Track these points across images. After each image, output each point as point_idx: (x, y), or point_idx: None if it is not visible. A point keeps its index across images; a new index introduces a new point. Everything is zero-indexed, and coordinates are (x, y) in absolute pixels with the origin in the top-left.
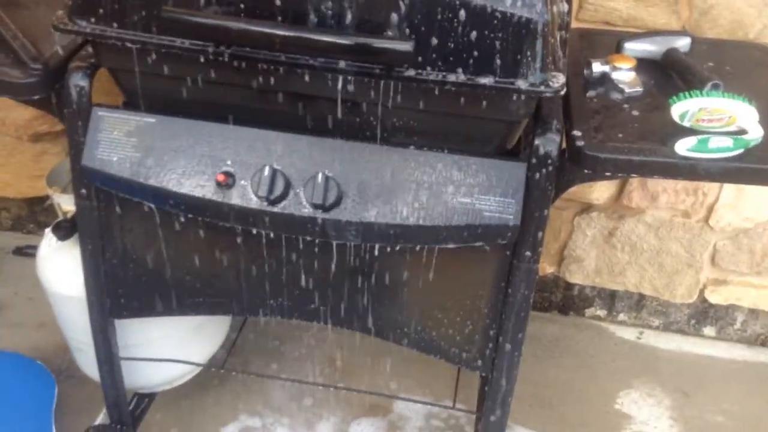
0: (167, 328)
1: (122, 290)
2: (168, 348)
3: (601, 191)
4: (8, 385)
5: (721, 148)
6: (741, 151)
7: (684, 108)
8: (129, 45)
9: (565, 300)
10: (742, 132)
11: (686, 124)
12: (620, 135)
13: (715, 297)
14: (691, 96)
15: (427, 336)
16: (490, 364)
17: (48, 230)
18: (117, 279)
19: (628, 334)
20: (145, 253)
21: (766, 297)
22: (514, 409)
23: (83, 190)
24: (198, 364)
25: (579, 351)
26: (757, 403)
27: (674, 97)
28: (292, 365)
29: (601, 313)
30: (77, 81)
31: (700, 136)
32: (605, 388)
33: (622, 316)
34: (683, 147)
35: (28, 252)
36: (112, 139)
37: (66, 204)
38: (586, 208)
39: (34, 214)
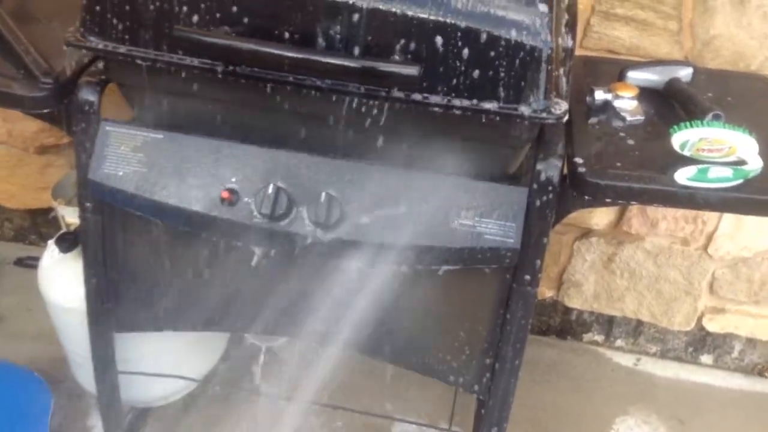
0: (166, 342)
1: (123, 304)
2: (166, 363)
3: (600, 217)
4: (4, 396)
5: (720, 178)
6: (740, 181)
7: (685, 137)
8: (140, 62)
9: (564, 324)
10: (742, 162)
11: (686, 153)
12: (621, 162)
13: (712, 325)
14: (692, 126)
15: (424, 357)
16: (487, 388)
17: (51, 242)
18: (118, 293)
19: (626, 360)
20: (148, 268)
21: (764, 326)
22: None
23: (88, 204)
24: (195, 380)
25: (576, 376)
26: None
27: (675, 127)
28: (289, 384)
29: (599, 338)
30: (86, 96)
31: (699, 166)
32: (601, 414)
33: (619, 342)
34: (683, 176)
35: (29, 263)
36: (119, 154)
37: (70, 216)
38: (586, 233)
39: (36, 226)
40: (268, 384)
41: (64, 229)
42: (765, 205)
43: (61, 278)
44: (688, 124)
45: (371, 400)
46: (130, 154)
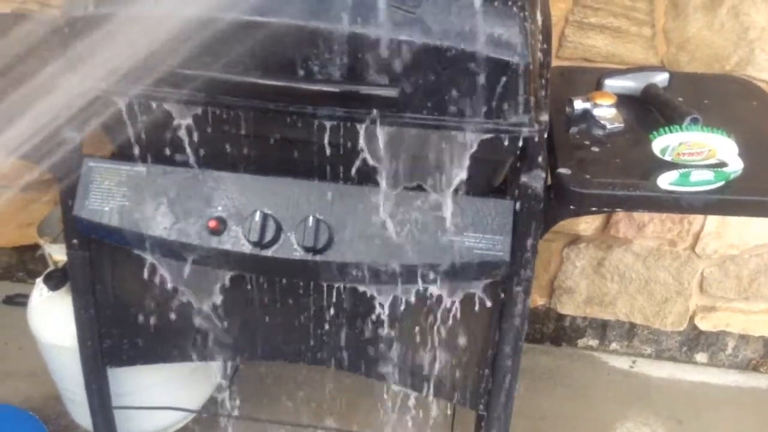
0: (160, 374)
1: (115, 339)
2: (161, 395)
3: (588, 222)
4: None
5: (702, 181)
6: (722, 183)
7: (665, 143)
8: (117, 99)
9: (557, 331)
10: (722, 164)
11: (667, 158)
12: (603, 171)
13: (705, 323)
14: (671, 131)
15: (421, 375)
16: (485, 401)
17: (39, 280)
18: (109, 328)
19: (621, 363)
20: (138, 302)
21: (755, 322)
22: None
23: (75, 240)
24: (191, 411)
25: (572, 382)
26: (750, 429)
27: (654, 132)
28: (287, 408)
29: (593, 343)
30: (68, 133)
31: (681, 170)
32: (600, 419)
33: (614, 346)
34: (665, 181)
35: (18, 301)
36: (102, 190)
37: (57, 254)
38: (575, 239)
39: (23, 263)
40: (265, 410)
41: (51, 267)
42: (747, 206)
43: (52, 316)
44: (667, 129)
45: (370, 419)
46: (114, 189)
